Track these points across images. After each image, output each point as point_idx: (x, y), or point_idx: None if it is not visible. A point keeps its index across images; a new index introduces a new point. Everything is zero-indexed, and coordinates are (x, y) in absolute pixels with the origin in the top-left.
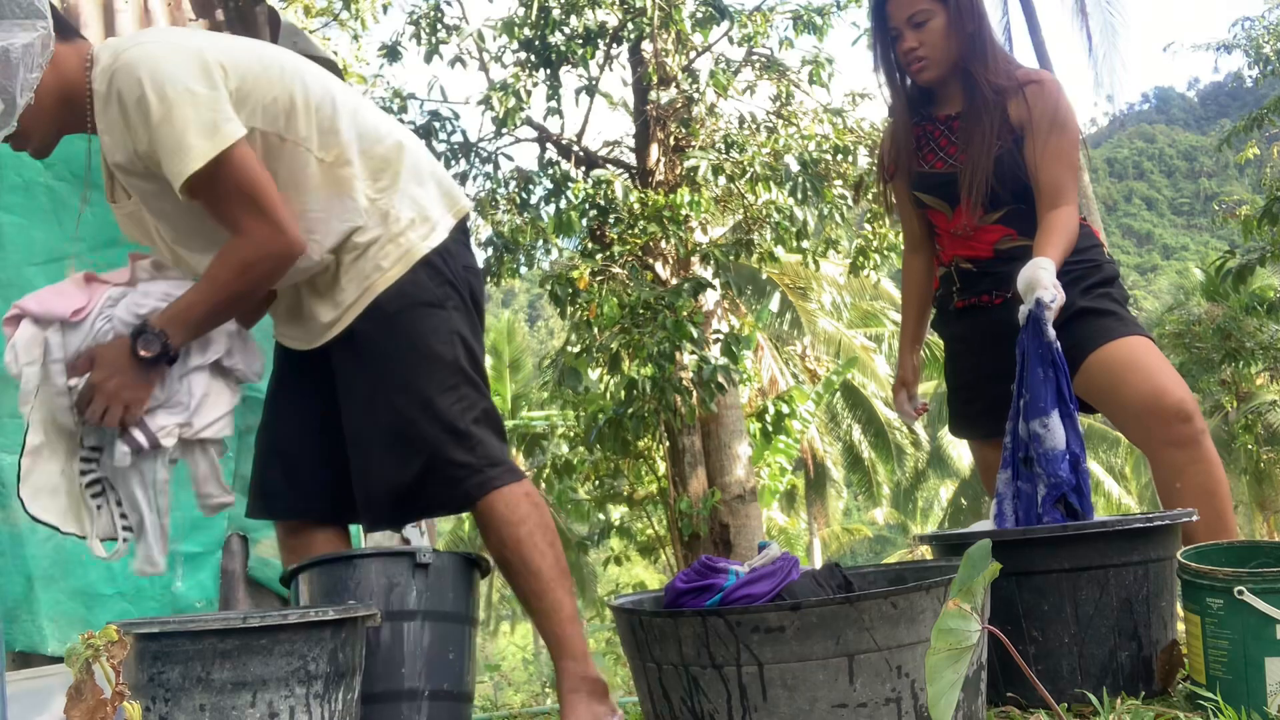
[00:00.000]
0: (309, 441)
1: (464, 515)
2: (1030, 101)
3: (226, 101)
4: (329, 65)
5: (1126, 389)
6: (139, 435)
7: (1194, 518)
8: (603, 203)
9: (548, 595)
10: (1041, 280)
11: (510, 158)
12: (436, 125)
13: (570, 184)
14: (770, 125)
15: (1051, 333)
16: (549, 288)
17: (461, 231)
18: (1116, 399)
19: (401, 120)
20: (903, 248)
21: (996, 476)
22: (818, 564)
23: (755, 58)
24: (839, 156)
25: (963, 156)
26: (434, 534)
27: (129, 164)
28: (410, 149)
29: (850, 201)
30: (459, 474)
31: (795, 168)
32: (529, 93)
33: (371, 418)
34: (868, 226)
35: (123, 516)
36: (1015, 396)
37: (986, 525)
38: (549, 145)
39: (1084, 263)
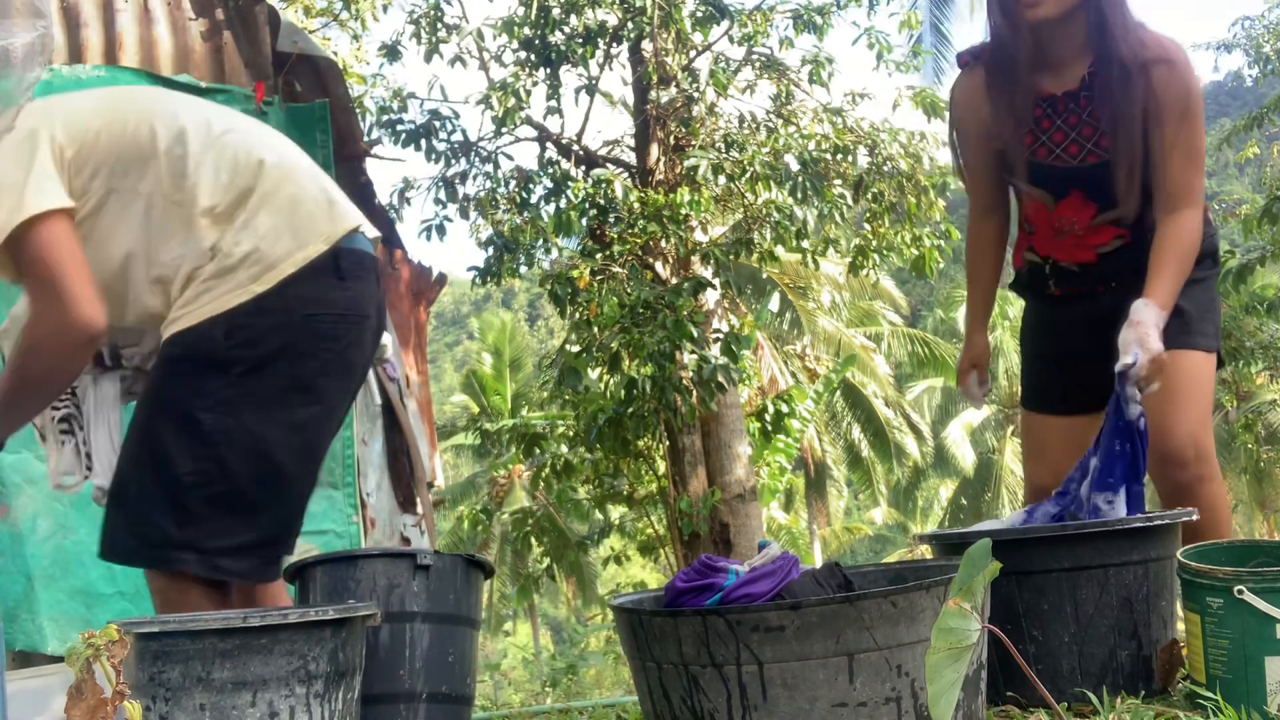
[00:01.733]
0: None
1: (464, 515)
2: (1160, 86)
3: (48, 177)
4: (328, 65)
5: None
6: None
7: (1194, 517)
8: (603, 202)
9: None
10: (1132, 344)
11: (510, 157)
12: (436, 125)
13: (570, 183)
14: (770, 125)
15: (1134, 410)
16: (549, 287)
17: (329, 262)
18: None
19: (401, 120)
20: (968, 212)
21: (1039, 468)
22: (819, 563)
23: (755, 57)
24: (839, 156)
25: (1106, 142)
26: (433, 534)
27: None
28: (270, 171)
29: (850, 201)
30: (148, 533)
31: (795, 167)
32: (529, 92)
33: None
34: (867, 226)
35: (87, 455)
36: (1089, 454)
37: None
38: (549, 145)
39: None
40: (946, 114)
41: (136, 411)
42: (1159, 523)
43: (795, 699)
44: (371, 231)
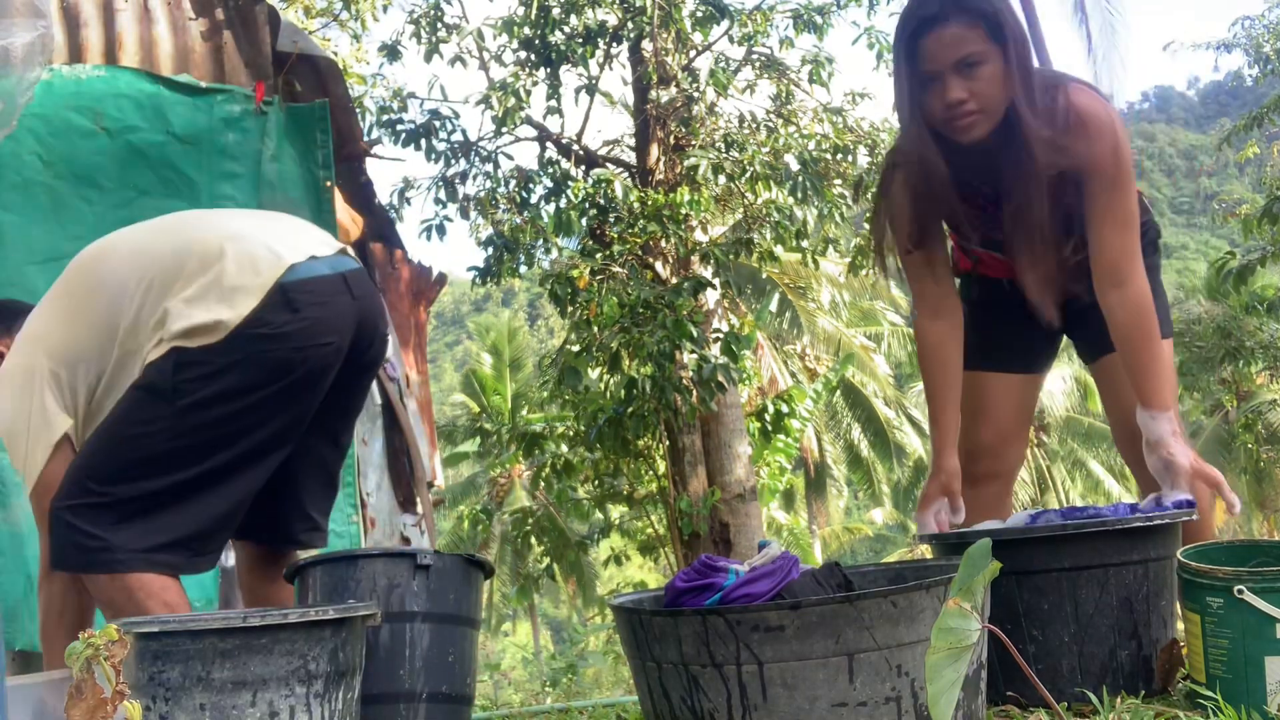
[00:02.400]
0: None
1: (465, 515)
2: (1081, 160)
3: (50, 413)
4: (328, 65)
5: (1118, 402)
6: None
7: (1194, 516)
8: (603, 202)
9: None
10: (1164, 477)
11: (510, 157)
12: (436, 124)
13: (570, 183)
14: (770, 124)
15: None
16: (549, 287)
17: (277, 299)
18: (1110, 407)
19: (401, 120)
20: (921, 320)
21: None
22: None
23: (755, 57)
24: (839, 156)
25: (1023, 265)
26: (433, 534)
27: None
28: (196, 255)
29: (850, 200)
30: (83, 541)
31: (795, 167)
32: (529, 92)
33: None
34: (866, 226)
35: None
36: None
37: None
38: (549, 144)
39: None
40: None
41: (90, 434)
42: (1159, 522)
43: (795, 699)
44: (335, 244)
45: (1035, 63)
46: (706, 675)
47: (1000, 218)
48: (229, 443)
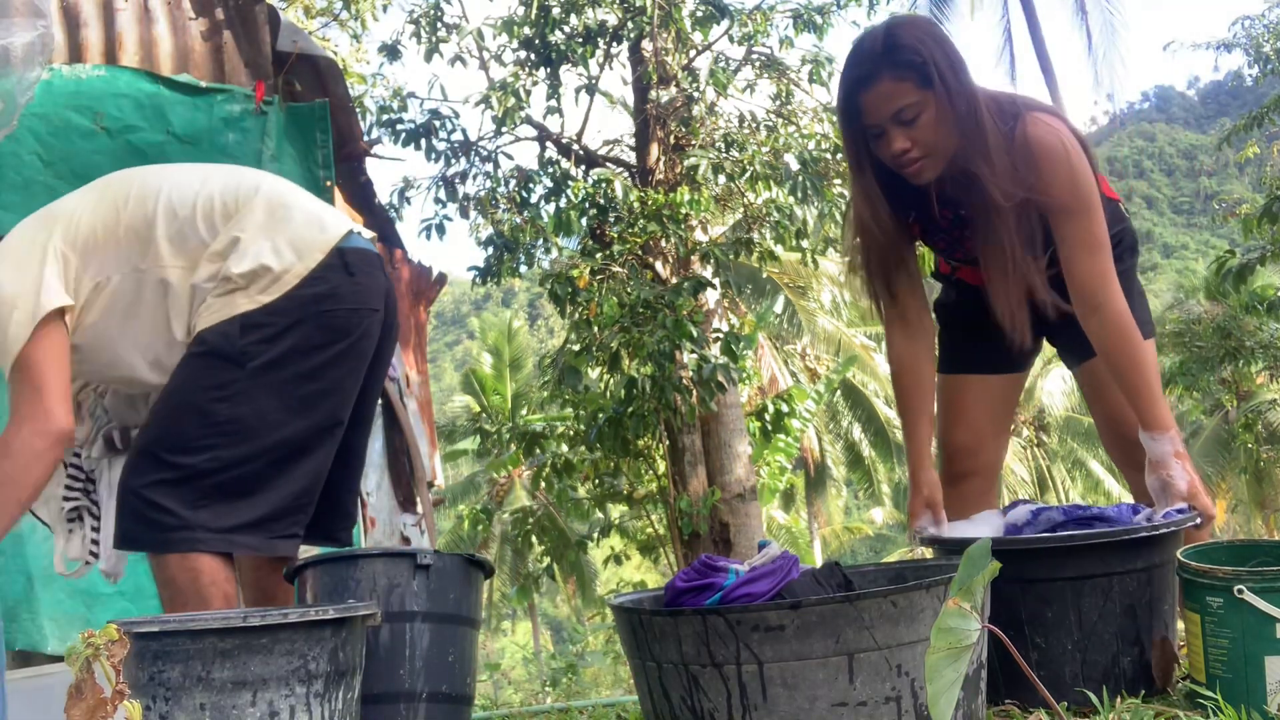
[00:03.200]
0: None
1: (465, 515)
2: (1041, 189)
3: (51, 279)
4: (328, 64)
5: (1102, 405)
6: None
7: (1198, 522)
8: (603, 202)
9: None
10: (1159, 495)
11: (510, 156)
12: (436, 124)
13: (570, 183)
14: (770, 124)
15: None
16: (549, 287)
17: (336, 260)
18: (1095, 410)
19: (401, 119)
20: (886, 334)
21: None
22: (819, 563)
23: (755, 56)
24: (839, 155)
25: (994, 293)
26: (434, 534)
27: None
28: (263, 197)
29: (850, 200)
30: (161, 518)
31: (795, 166)
32: (529, 92)
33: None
34: None
35: (94, 542)
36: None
37: (991, 515)
38: (549, 144)
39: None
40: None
41: (154, 406)
42: (1163, 530)
43: (795, 698)
44: (367, 232)
45: (1000, 88)
46: (706, 675)
47: (965, 239)
48: (303, 409)
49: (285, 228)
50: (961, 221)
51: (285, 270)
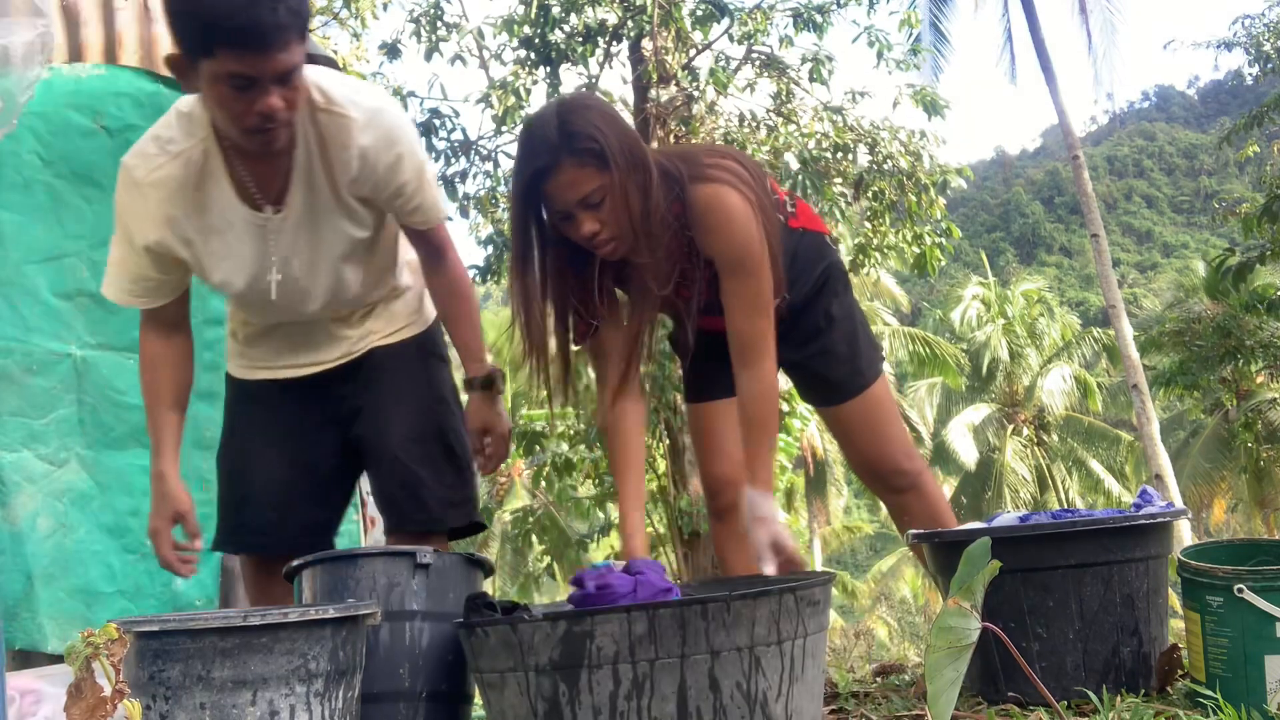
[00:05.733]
0: (305, 480)
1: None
2: (707, 248)
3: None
4: (328, 63)
5: (853, 449)
6: None
7: (1188, 514)
8: None
9: None
10: (765, 549)
11: (510, 156)
12: (436, 123)
13: None
14: (770, 123)
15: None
16: None
17: None
18: (848, 452)
19: None
20: (603, 399)
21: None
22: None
23: (755, 55)
24: (839, 154)
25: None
26: None
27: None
28: None
29: (850, 199)
30: (453, 496)
31: (795, 165)
32: (529, 91)
33: (420, 429)
34: (868, 225)
35: None
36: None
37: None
38: None
39: (812, 279)
40: (944, 113)
41: (417, 396)
42: (1161, 519)
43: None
44: None
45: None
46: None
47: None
48: None
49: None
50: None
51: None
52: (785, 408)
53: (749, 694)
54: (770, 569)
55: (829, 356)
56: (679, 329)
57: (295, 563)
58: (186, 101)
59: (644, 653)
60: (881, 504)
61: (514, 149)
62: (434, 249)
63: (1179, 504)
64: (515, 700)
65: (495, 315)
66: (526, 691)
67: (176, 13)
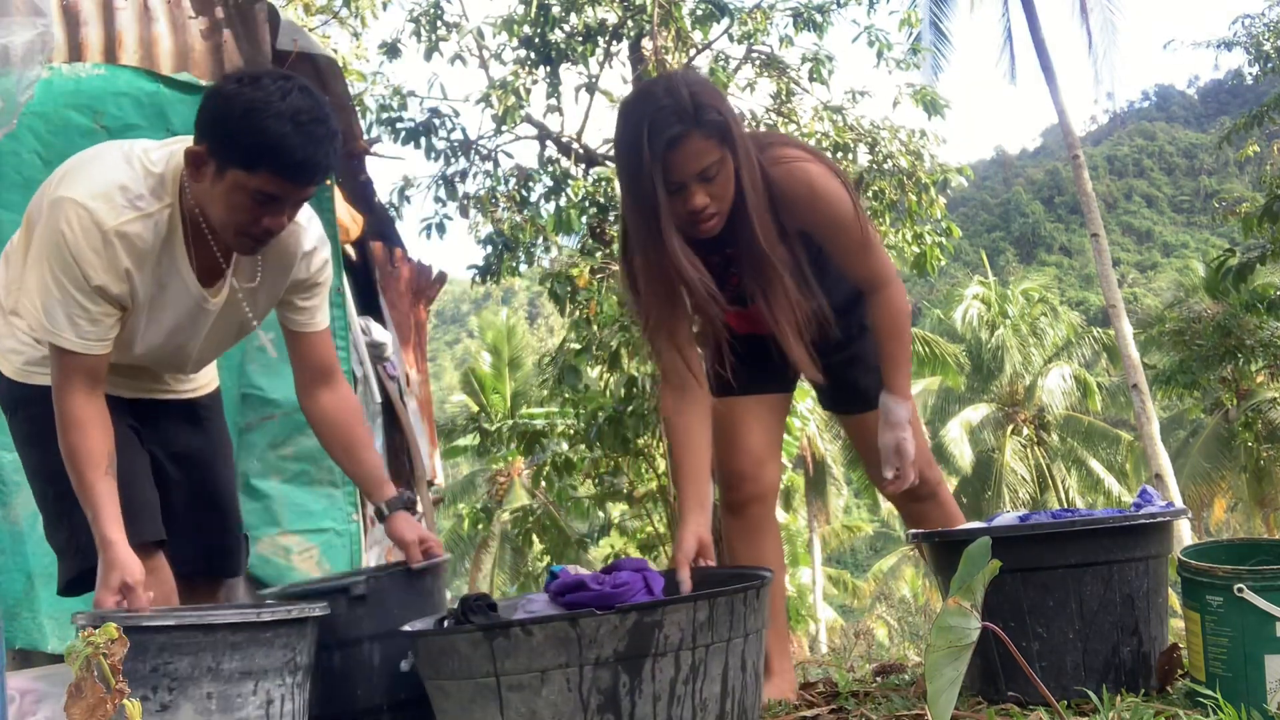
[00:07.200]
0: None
1: (465, 513)
2: (804, 217)
3: None
4: (328, 63)
5: (874, 457)
6: None
7: (1188, 514)
8: (602, 200)
9: None
10: (891, 453)
11: (510, 155)
12: (436, 123)
13: (570, 181)
14: (770, 122)
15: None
16: (549, 285)
17: None
18: (868, 460)
19: (401, 118)
20: (665, 397)
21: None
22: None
23: (755, 55)
24: (839, 154)
25: (781, 332)
26: (434, 533)
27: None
28: None
29: None
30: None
31: None
32: (529, 90)
33: (228, 477)
34: None
35: None
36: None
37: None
38: (549, 143)
39: (852, 286)
40: (944, 113)
41: (225, 448)
42: (1161, 519)
43: None
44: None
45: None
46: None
47: (730, 279)
48: None
49: None
50: (728, 262)
51: None
52: None
53: (756, 671)
54: (890, 472)
55: (859, 364)
56: (707, 320)
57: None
58: (155, 161)
59: (703, 638)
60: (880, 504)
61: (514, 148)
62: (332, 362)
63: (1179, 504)
64: (558, 698)
65: (495, 315)
66: (577, 686)
67: (235, 129)
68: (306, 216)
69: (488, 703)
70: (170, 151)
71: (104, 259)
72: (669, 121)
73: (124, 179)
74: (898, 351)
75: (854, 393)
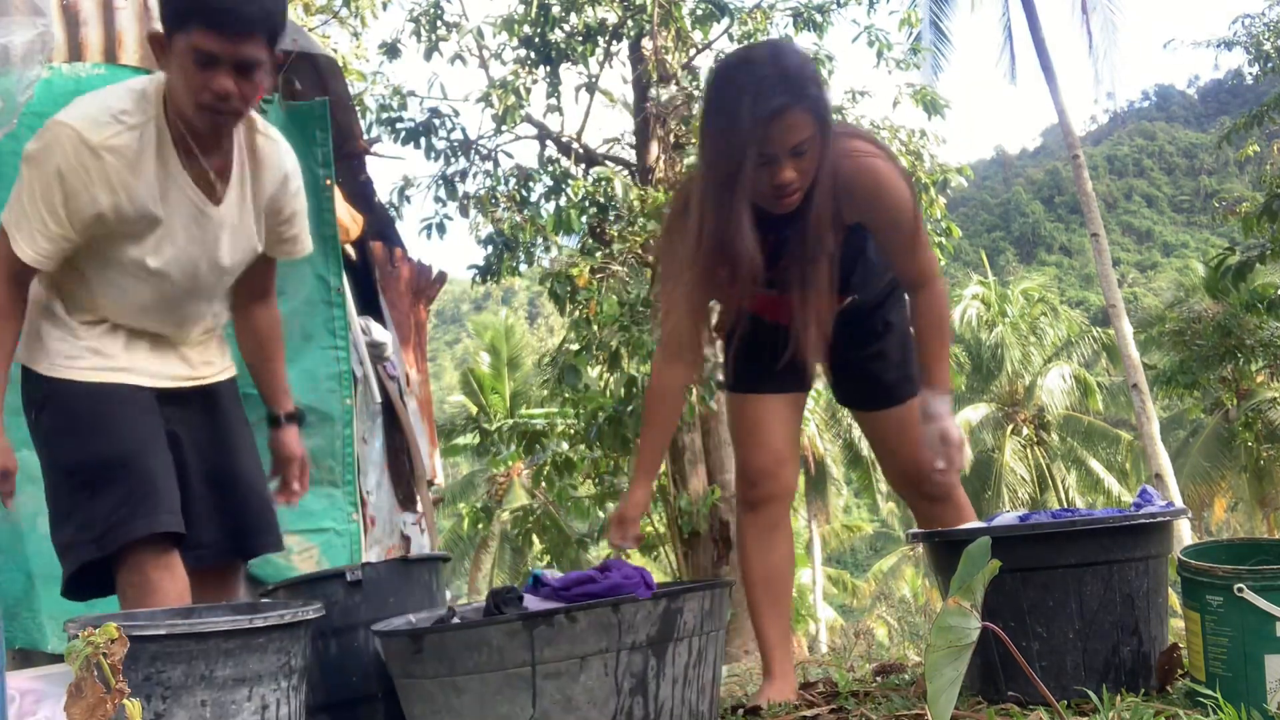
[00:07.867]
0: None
1: (464, 512)
2: (865, 208)
3: None
4: (328, 63)
5: (892, 456)
6: None
7: (1188, 514)
8: (603, 200)
9: None
10: (937, 444)
11: (510, 155)
12: (436, 123)
13: (570, 181)
14: None
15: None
16: (548, 285)
17: None
18: (885, 459)
19: (401, 118)
20: (657, 359)
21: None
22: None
23: None
24: None
25: (805, 322)
26: (434, 532)
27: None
28: None
29: None
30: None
31: None
32: (529, 90)
33: (250, 460)
34: None
35: None
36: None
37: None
38: (549, 143)
39: (884, 282)
40: (944, 112)
41: (247, 431)
42: (1161, 519)
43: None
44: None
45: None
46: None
47: (773, 261)
48: None
49: None
50: (780, 244)
51: None
52: None
53: (718, 660)
54: (940, 462)
55: (883, 360)
56: (732, 304)
57: (273, 587)
58: (140, 80)
59: (707, 625)
60: (880, 504)
61: (514, 148)
62: (270, 285)
63: (1179, 503)
64: (595, 683)
65: (495, 315)
66: (614, 671)
67: None
68: (284, 141)
69: (517, 694)
70: (155, 74)
71: (97, 174)
72: (774, 91)
73: (108, 101)
74: (939, 346)
75: (877, 388)
